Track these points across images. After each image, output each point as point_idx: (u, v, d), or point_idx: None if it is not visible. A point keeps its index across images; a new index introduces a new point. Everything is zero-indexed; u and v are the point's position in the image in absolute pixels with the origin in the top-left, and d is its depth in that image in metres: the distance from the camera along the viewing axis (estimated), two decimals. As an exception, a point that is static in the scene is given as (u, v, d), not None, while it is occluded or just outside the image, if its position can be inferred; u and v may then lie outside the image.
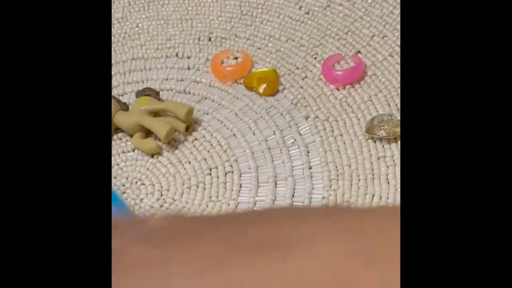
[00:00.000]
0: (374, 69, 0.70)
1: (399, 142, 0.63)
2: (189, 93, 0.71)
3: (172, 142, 0.66)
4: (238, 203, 0.62)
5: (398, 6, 0.75)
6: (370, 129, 0.63)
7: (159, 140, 0.66)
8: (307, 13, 0.77)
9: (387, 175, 0.61)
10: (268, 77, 0.70)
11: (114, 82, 0.73)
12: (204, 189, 0.63)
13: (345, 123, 0.66)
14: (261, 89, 0.69)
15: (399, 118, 0.64)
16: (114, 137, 0.67)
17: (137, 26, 0.79)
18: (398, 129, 0.63)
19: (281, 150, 0.65)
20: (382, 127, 0.63)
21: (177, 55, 0.75)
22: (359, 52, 0.72)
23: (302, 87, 0.70)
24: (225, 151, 0.65)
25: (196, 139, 0.67)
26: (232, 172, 0.64)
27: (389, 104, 0.66)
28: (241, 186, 0.63)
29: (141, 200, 0.63)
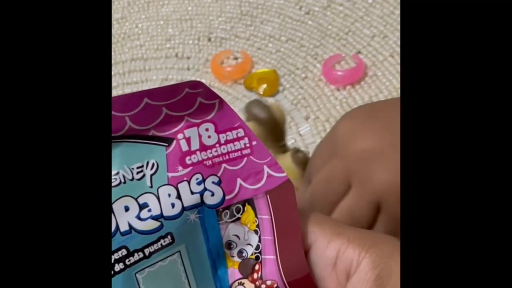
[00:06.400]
0: (375, 69, 0.70)
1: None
2: (189, 94, 0.71)
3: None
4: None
5: (399, 6, 0.75)
6: None
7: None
8: (307, 13, 0.77)
9: (388, 176, 0.61)
10: (268, 77, 0.70)
11: (113, 83, 0.73)
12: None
13: (345, 124, 0.65)
14: (261, 90, 0.69)
15: None
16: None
17: (137, 27, 0.78)
18: None
19: (281, 151, 0.65)
20: None
21: (176, 55, 0.75)
22: (359, 52, 0.72)
23: (302, 88, 0.69)
24: (225, 152, 0.65)
25: (196, 140, 0.66)
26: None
27: (390, 105, 0.66)
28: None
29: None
